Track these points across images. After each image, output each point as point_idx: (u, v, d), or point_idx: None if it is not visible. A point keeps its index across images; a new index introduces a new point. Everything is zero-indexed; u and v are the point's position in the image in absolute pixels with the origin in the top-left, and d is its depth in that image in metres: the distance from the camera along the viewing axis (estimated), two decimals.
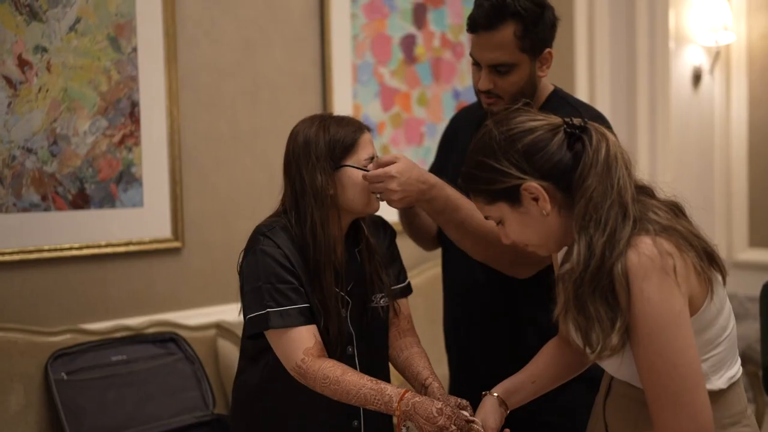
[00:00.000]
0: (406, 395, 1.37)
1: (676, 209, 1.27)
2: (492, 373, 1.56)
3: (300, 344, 1.44)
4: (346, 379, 1.41)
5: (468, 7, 3.21)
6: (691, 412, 1.17)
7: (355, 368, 1.52)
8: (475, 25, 1.59)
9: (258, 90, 2.66)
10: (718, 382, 1.26)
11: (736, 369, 1.30)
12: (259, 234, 1.51)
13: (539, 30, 1.58)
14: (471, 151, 1.32)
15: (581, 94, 3.58)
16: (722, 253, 3.91)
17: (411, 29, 3.05)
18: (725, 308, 1.27)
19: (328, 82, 2.79)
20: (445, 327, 1.86)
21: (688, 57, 3.78)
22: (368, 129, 1.56)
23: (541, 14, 1.58)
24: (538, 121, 1.27)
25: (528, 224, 1.27)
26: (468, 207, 1.54)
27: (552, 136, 1.25)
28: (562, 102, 1.67)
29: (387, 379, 1.58)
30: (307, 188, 1.50)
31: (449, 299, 1.84)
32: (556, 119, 1.28)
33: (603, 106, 3.59)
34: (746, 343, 3.24)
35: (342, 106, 2.82)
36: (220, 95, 2.58)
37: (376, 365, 1.58)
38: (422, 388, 1.52)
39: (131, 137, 2.36)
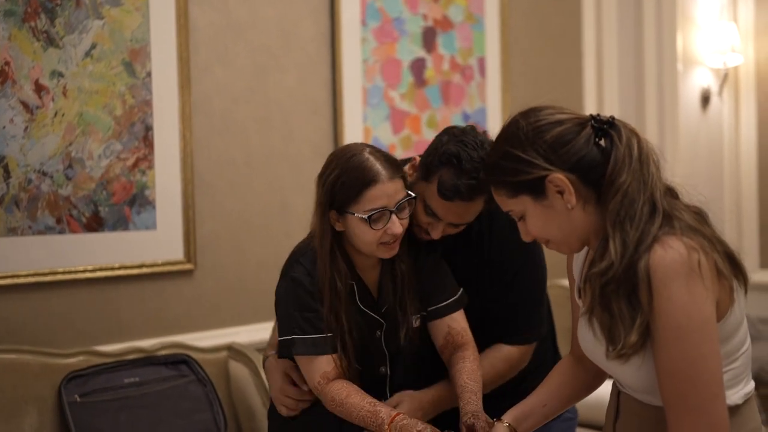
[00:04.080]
0: (396, 418, 1.42)
1: (700, 215, 1.25)
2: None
3: (319, 368, 1.51)
4: (349, 402, 1.47)
5: (477, 32, 3.24)
6: (710, 423, 1.15)
7: (385, 388, 1.58)
8: (455, 196, 1.54)
9: (270, 114, 2.69)
10: (735, 398, 1.25)
11: (751, 386, 1.29)
12: (293, 260, 1.58)
13: None
14: (496, 141, 1.30)
15: None
16: None
17: (421, 53, 3.08)
18: (744, 322, 1.26)
19: (339, 106, 2.82)
20: None
21: (697, 79, 3.80)
22: (395, 177, 1.50)
23: None
24: (565, 114, 1.26)
25: (551, 218, 1.25)
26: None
27: (580, 129, 1.23)
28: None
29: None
30: (312, 222, 1.55)
31: None
32: (584, 115, 1.27)
33: None
34: (759, 365, 3.22)
35: (353, 129, 2.84)
36: (233, 119, 2.61)
37: (411, 386, 1.61)
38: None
39: (145, 161, 2.38)
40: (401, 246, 1.56)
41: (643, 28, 3.66)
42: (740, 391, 1.26)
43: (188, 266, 2.48)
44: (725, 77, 3.90)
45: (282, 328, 1.55)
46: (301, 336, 1.51)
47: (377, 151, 1.53)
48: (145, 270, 2.39)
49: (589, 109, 3.59)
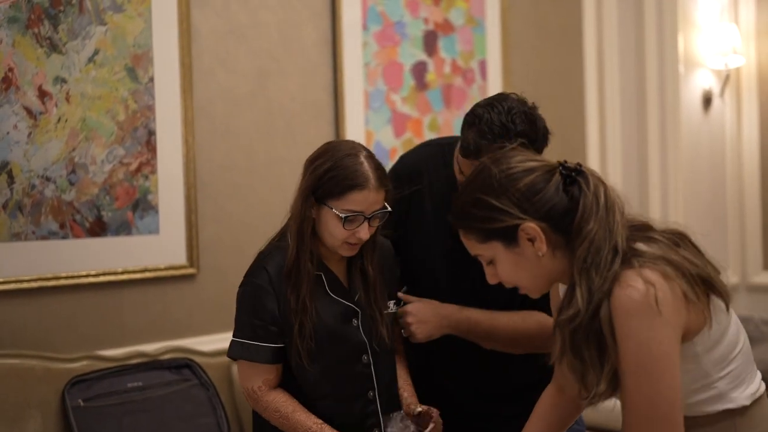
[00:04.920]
0: None
1: (677, 238, 1.26)
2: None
3: (259, 374, 1.58)
4: (295, 418, 1.55)
5: (478, 35, 3.25)
6: None
7: (372, 377, 1.61)
8: (469, 154, 1.56)
9: (272, 118, 2.70)
10: (741, 398, 1.26)
11: (756, 385, 1.29)
12: (256, 264, 1.63)
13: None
14: (466, 187, 1.31)
15: (591, 120, 3.60)
16: (736, 276, 3.90)
17: (422, 56, 3.09)
18: (731, 326, 1.27)
19: (340, 110, 2.83)
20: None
21: (698, 81, 3.80)
22: (380, 188, 1.54)
23: (535, 149, 1.54)
24: (535, 161, 1.29)
25: (521, 265, 1.27)
26: (487, 318, 1.67)
27: (549, 177, 1.26)
28: None
29: (395, 384, 1.67)
30: (293, 205, 1.58)
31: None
32: (552, 162, 1.30)
33: (613, 132, 3.61)
34: (764, 367, 3.21)
35: (355, 133, 2.85)
36: (235, 124, 2.61)
37: (391, 371, 1.66)
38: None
39: (148, 165, 2.39)
40: (371, 248, 1.62)
41: (644, 31, 3.67)
42: (745, 391, 1.27)
43: (191, 270, 2.49)
44: (727, 78, 3.90)
45: (234, 329, 1.61)
46: (243, 340, 1.58)
47: (372, 157, 1.56)
48: (148, 274, 2.40)
49: (591, 113, 3.59)
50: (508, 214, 1.24)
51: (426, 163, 1.82)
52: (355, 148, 1.57)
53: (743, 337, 1.29)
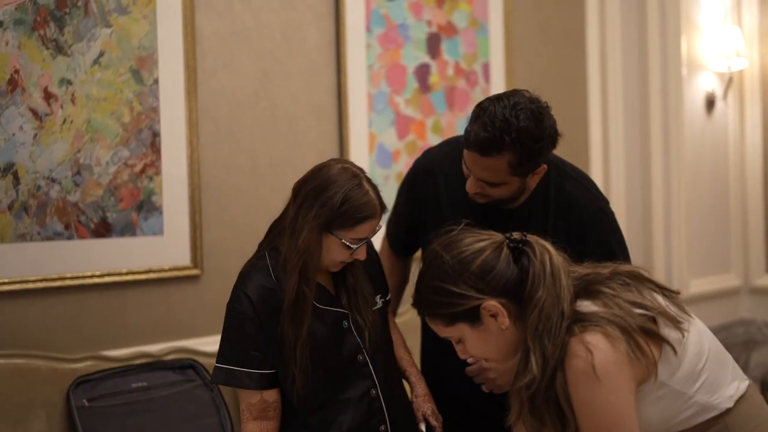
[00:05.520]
0: None
1: (627, 279, 1.30)
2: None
3: (244, 398, 1.59)
4: None
5: (481, 37, 3.26)
6: None
7: (371, 374, 1.60)
8: (470, 146, 1.58)
9: (275, 120, 2.71)
10: (723, 402, 1.29)
11: (735, 387, 1.33)
12: (236, 288, 1.62)
13: (534, 160, 1.58)
14: (423, 277, 1.36)
15: (594, 123, 3.61)
16: (738, 279, 3.90)
17: (425, 59, 3.09)
18: (689, 343, 1.29)
19: (344, 112, 2.84)
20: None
21: (701, 83, 3.80)
22: (382, 213, 1.56)
23: (539, 148, 1.56)
24: (483, 240, 1.33)
25: (488, 340, 1.32)
26: None
27: (499, 253, 1.31)
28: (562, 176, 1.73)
29: (397, 372, 1.70)
30: (296, 230, 1.55)
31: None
32: (498, 236, 1.34)
33: (616, 134, 3.62)
34: (766, 370, 3.21)
35: (358, 135, 2.86)
36: (239, 125, 2.63)
37: (389, 365, 1.68)
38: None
39: (152, 167, 2.40)
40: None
41: (647, 33, 3.67)
42: (723, 395, 1.30)
43: (195, 271, 2.50)
44: (730, 81, 3.91)
45: (218, 352, 1.63)
46: (224, 365, 1.59)
47: (370, 181, 1.57)
48: (152, 275, 2.41)
49: (594, 115, 3.60)
50: (467, 297, 1.29)
51: (439, 163, 1.83)
52: (357, 176, 1.55)
53: (708, 345, 1.32)
